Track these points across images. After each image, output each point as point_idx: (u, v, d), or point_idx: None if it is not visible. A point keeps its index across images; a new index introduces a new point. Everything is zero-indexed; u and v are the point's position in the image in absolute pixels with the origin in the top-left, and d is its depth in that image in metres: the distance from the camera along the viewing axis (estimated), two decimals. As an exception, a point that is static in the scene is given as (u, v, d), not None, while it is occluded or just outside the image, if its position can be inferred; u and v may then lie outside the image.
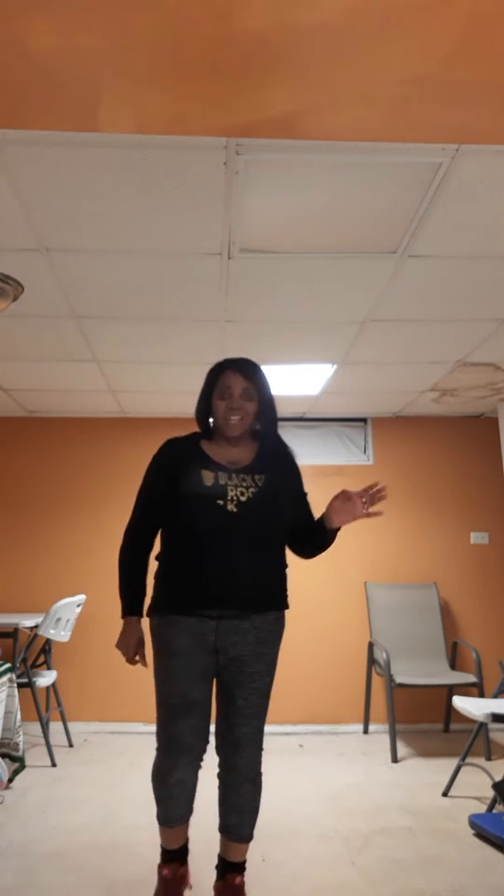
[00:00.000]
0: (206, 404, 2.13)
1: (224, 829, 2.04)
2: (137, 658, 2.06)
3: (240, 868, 2.05)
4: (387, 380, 3.92)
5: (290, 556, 2.17)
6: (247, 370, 2.09)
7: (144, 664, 2.06)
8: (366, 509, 2.04)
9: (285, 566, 2.13)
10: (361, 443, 4.90)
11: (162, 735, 1.99)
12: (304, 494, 2.23)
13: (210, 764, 2.04)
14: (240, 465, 2.07)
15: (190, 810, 2.03)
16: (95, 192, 1.94)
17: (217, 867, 2.06)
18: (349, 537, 4.66)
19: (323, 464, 4.77)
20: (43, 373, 3.75)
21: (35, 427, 4.80)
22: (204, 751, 2.01)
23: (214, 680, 2.03)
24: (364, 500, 2.04)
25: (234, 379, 2.07)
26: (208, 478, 2.02)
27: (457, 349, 3.33)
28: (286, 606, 2.10)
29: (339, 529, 2.11)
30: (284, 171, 1.86)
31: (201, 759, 2.01)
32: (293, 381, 3.88)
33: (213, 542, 1.98)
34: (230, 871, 2.03)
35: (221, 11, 1.23)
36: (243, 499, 2.00)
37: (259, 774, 2.04)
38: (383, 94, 1.44)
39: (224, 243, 2.25)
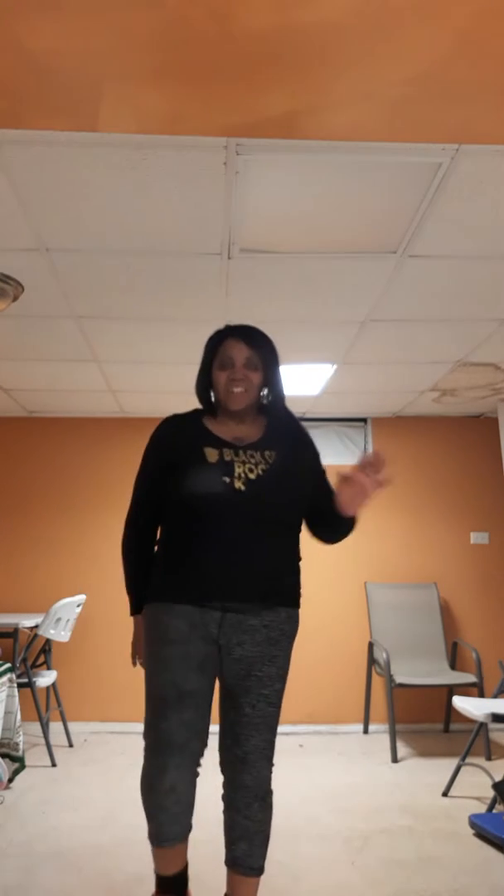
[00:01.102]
0: (206, 376, 1.92)
1: (231, 861, 1.79)
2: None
3: None
4: (387, 380, 3.92)
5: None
6: (251, 338, 1.89)
7: None
8: (373, 481, 1.80)
9: (300, 557, 1.90)
10: (361, 443, 4.90)
11: (150, 732, 1.74)
12: (323, 472, 2.01)
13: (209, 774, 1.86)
14: (247, 441, 1.86)
15: (187, 826, 1.78)
16: (95, 192, 1.94)
17: None
18: (349, 537, 4.68)
19: (323, 464, 4.76)
20: (43, 373, 3.75)
21: (35, 427, 4.80)
22: (201, 753, 1.78)
23: (217, 681, 1.82)
24: (367, 473, 1.80)
25: (237, 347, 1.87)
26: (212, 455, 1.81)
27: (457, 349, 3.33)
28: (299, 604, 1.88)
29: (356, 515, 1.88)
30: (284, 171, 1.86)
31: (198, 764, 1.77)
32: (293, 381, 3.88)
33: (218, 525, 1.76)
34: None
35: (221, 11, 1.24)
36: (252, 476, 1.78)
37: (270, 793, 1.80)
38: (383, 94, 1.44)
39: (224, 243, 2.25)
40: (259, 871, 1.80)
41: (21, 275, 2.46)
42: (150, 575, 1.89)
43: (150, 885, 2.25)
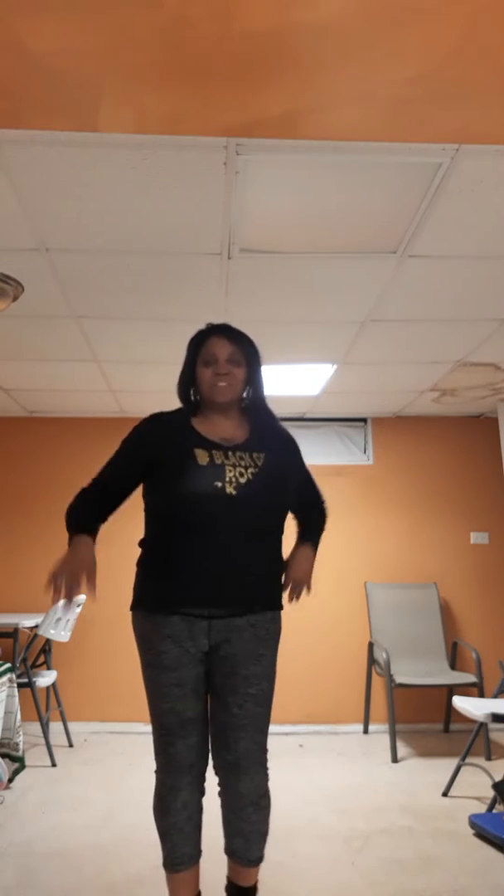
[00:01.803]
0: (189, 376, 1.95)
1: (230, 852, 1.85)
2: (83, 586, 1.68)
3: (251, 892, 1.86)
4: (387, 380, 3.92)
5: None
6: (232, 335, 1.93)
7: (93, 592, 1.70)
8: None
9: (283, 561, 1.95)
10: (361, 443, 4.90)
11: (160, 755, 1.81)
12: (308, 475, 2.07)
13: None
14: (235, 442, 1.87)
15: (198, 849, 1.83)
16: (95, 192, 1.94)
17: (226, 889, 1.89)
18: (349, 537, 4.70)
19: (323, 464, 4.76)
20: (43, 373, 3.75)
21: (35, 427, 4.80)
22: (205, 768, 1.84)
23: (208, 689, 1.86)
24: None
25: (220, 344, 1.90)
26: (202, 457, 1.81)
27: (457, 349, 3.33)
28: (282, 606, 1.91)
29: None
30: (284, 171, 1.86)
31: (203, 780, 1.84)
32: (293, 381, 3.88)
33: (209, 530, 1.77)
34: None
35: (221, 11, 1.24)
36: (243, 480, 1.79)
37: (265, 796, 1.82)
38: (383, 94, 1.44)
39: (224, 243, 2.25)
40: (257, 861, 1.84)
41: (21, 275, 2.46)
42: (96, 520, 1.88)
43: (150, 885, 2.26)
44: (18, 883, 2.32)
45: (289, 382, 3.91)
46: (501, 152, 1.77)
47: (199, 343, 1.94)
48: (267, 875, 2.29)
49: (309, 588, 1.95)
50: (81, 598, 4.06)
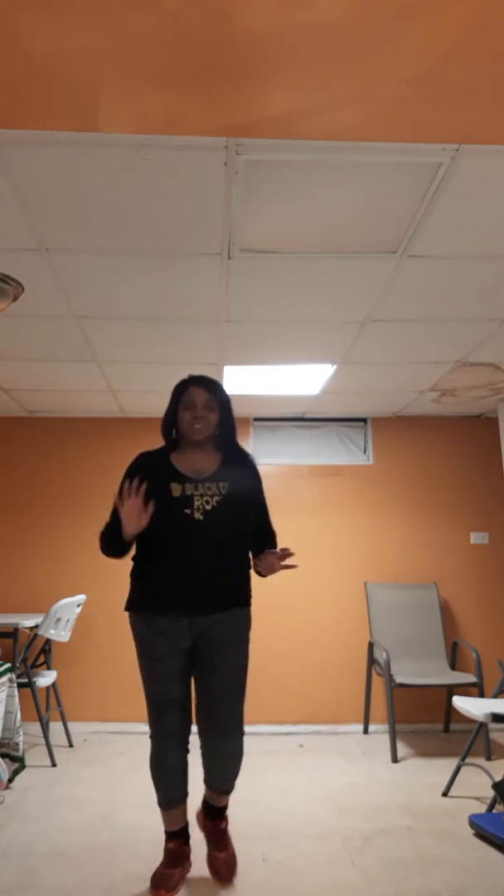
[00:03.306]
0: (171, 418, 2.37)
1: (208, 785, 2.32)
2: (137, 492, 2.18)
3: (223, 811, 2.38)
4: (387, 380, 3.92)
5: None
6: (209, 386, 2.34)
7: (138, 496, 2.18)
8: (279, 563, 2.26)
9: (249, 567, 2.34)
10: (361, 443, 4.90)
11: (153, 726, 2.25)
12: (263, 506, 2.42)
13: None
14: (205, 475, 2.29)
15: (185, 793, 2.28)
16: (95, 192, 1.94)
17: (203, 803, 2.39)
18: (349, 537, 4.70)
19: (323, 464, 4.77)
20: (43, 373, 3.75)
21: (35, 427, 4.80)
22: (188, 734, 2.25)
23: (192, 681, 2.26)
24: (278, 558, 2.26)
25: (198, 393, 2.32)
26: (176, 489, 2.24)
27: (457, 349, 3.33)
28: (249, 604, 2.31)
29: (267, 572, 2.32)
30: (284, 171, 1.86)
31: (188, 742, 2.26)
32: (293, 381, 3.88)
33: (181, 549, 2.20)
34: (218, 816, 2.36)
35: (221, 12, 1.24)
36: (208, 507, 2.22)
37: (240, 749, 2.25)
38: (383, 94, 1.44)
39: (224, 243, 2.25)
40: (230, 791, 2.31)
41: (21, 275, 2.46)
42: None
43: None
44: (18, 883, 2.33)
45: (289, 382, 3.91)
46: (501, 152, 1.77)
47: (181, 391, 2.35)
48: (267, 875, 2.30)
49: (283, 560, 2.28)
50: (82, 597, 4.06)
